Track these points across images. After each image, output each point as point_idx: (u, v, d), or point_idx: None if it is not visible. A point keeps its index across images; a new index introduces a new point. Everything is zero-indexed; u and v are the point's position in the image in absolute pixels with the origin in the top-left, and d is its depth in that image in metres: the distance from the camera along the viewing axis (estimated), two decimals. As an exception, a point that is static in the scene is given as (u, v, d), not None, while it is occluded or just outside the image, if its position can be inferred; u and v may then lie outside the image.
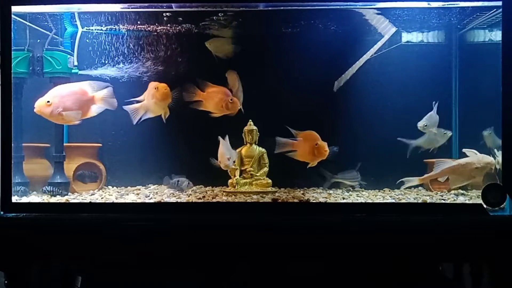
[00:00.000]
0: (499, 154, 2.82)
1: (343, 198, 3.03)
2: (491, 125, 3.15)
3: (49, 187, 3.05)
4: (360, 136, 3.37)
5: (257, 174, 3.22)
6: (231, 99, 3.03)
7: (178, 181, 3.13)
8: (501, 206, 2.60)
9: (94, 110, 2.95)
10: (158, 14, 3.12)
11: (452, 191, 3.15)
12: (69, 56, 3.14)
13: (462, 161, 3.03)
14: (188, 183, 3.14)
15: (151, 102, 3.00)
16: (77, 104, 2.90)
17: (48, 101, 2.84)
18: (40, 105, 2.83)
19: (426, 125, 3.21)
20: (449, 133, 3.31)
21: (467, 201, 2.89)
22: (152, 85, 3.00)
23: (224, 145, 3.01)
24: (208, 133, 3.18)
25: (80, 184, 3.28)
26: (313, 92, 3.36)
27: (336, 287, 2.67)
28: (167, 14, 3.09)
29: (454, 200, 2.93)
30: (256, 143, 3.26)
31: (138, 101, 3.04)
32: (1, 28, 2.65)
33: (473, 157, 2.99)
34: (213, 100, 3.06)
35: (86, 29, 3.20)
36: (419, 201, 2.88)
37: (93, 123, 3.03)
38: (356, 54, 3.30)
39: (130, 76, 3.21)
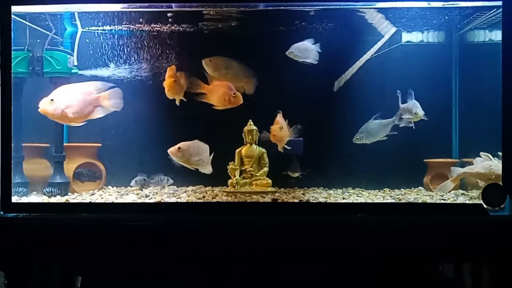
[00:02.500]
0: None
1: (343, 198, 3.03)
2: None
3: (48, 188, 3.05)
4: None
5: (257, 174, 3.22)
6: (233, 93, 3.07)
7: (159, 179, 3.22)
8: (501, 206, 2.60)
9: (100, 111, 2.94)
10: (159, 13, 3.13)
11: (452, 191, 3.15)
12: (69, 56, 3.14)
13: (475, 167, 3.01)
14: (168, 179, 3.21)
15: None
16: (81, 105, 2.88)
17: (52, 100, 2.82)
18: (44, 104, 2.81)
19: (358, 138, 3.20)
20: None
21: (467, 201, 2.89)
22: None
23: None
24: (207, 133, 3.19)
25: (80, 184, 3.28)
26: (312, 91, 3.36)
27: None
28: (170, 13, 3.10)
29: (454, 200, 2.93)
30: (256, 143, 3.26)
31: None
32: (1, 28, 2.64)
33: (486, 163, 2.96)
34: (217, 93, 3.09)
35: (87, 29, 3.20)
36: (419, 201, 2.88)
37: (93, 123, 3.02)
38: (356, 54, 3.30)
39: (131, 76, 3.21)
